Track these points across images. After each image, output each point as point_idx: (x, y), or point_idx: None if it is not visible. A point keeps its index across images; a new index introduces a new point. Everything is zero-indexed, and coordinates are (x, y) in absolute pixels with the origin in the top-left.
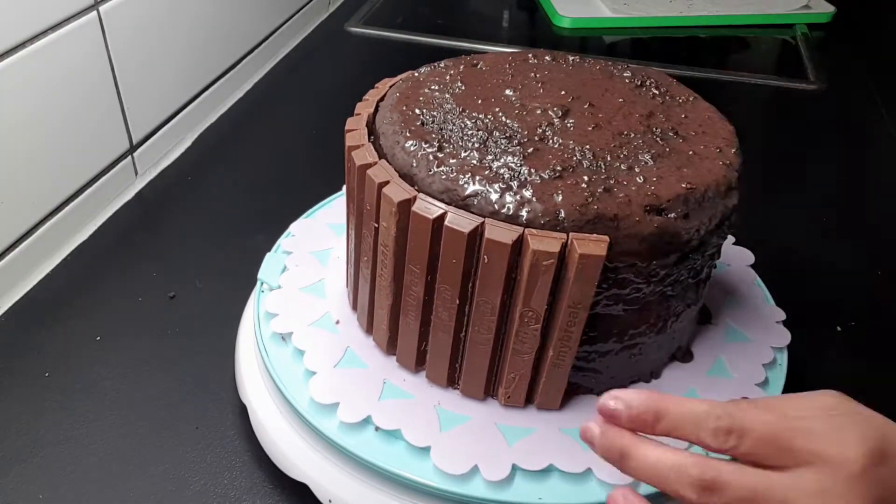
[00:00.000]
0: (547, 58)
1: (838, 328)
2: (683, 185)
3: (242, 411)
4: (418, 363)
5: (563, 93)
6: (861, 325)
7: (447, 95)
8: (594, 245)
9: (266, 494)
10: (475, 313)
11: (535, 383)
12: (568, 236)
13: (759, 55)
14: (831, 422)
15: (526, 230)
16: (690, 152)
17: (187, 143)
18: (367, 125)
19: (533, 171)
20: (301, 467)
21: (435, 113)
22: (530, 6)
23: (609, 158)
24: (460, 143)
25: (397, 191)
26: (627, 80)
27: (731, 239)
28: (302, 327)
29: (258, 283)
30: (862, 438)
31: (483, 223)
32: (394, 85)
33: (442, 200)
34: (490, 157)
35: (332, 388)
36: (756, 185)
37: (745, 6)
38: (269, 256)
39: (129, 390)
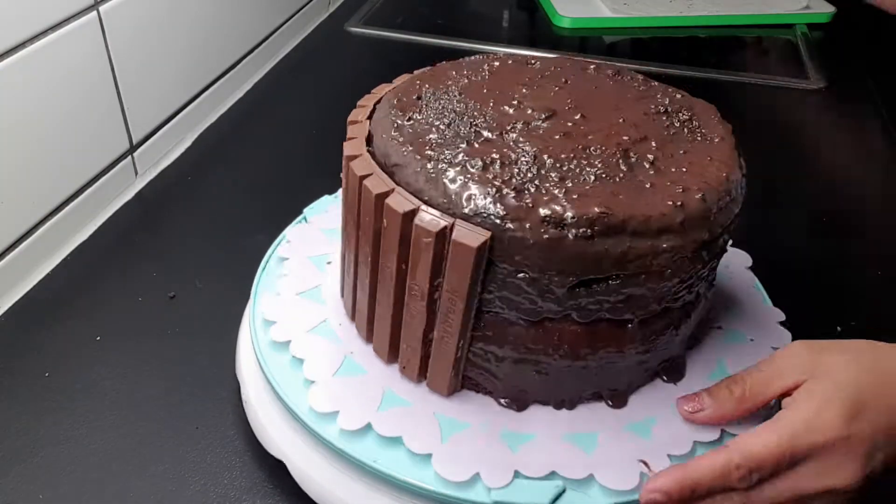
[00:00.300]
0: (609, 71)
1: (838, 328)
2: (597, 209)
3: (242, 411)
4: (353, 314)
5: (568, 100)
6: (861, 325)
7: (465, 81)
8: (471, 236)
9: (266, 494)
10: (380, 276)
11: (427, 361)
12: (453, 222)
13: (759, 55)
14: (799, 408)
15: (421, 206)
16: (648, 184)
17: (187, 143)
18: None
19: (463, 157)
20: (280, 445)
21: (437, 91)
22: (530, 6)
23: (548, 166)
24: (428, 120)
25: (350, 147)
26: (654, 107)
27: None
28: (299, 257)
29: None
30: (831, 419)
31: (392, 190)
32: (441, 63)
33: (379, 163)
34: (437, 137)
35: (281, 309)
36: (756, 184)
37: (745, 6)
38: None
39: (129, 390)
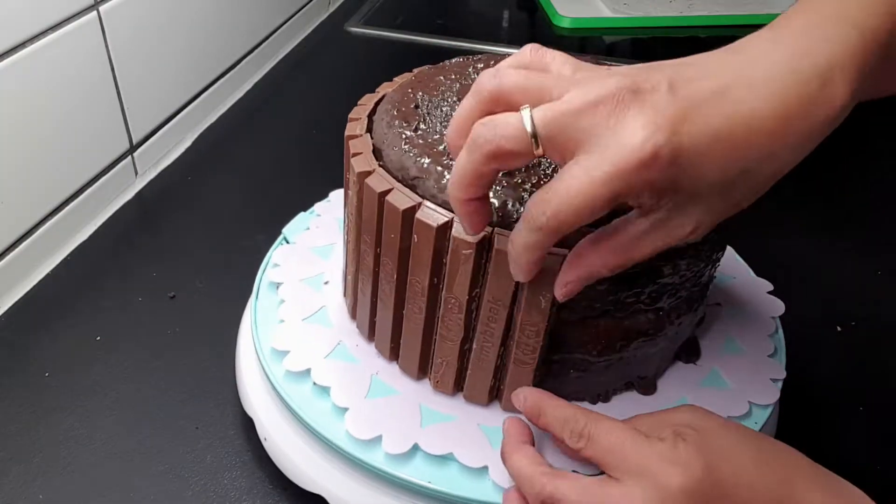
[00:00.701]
0: (607, 63)
1: (838, 328)
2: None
3: (242, 411)
4: (371, 332)
5: None
6: (861, 325)
7: (457, 85)
8: None
9: (266, 494)
10: (409, 292)
11: (463, 373)
12: (492, 230)
13: None
14: (673, 441)
15: (455, 217)
16: None
17: (187, 143)
18: (376, 103)
19: None
20: (317, 479)
21: (433, 98)
22: (530, 6)
23: None
24: (436, 128)
25: (361, 162)
26: None
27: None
28: (293, 281)
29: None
30: (689, 461)
31: (420, 204)
32: (420, 69)
33: (396, 177)
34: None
35: (290, 338)
36: None
37: (745, 6)
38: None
39: (129, 390)
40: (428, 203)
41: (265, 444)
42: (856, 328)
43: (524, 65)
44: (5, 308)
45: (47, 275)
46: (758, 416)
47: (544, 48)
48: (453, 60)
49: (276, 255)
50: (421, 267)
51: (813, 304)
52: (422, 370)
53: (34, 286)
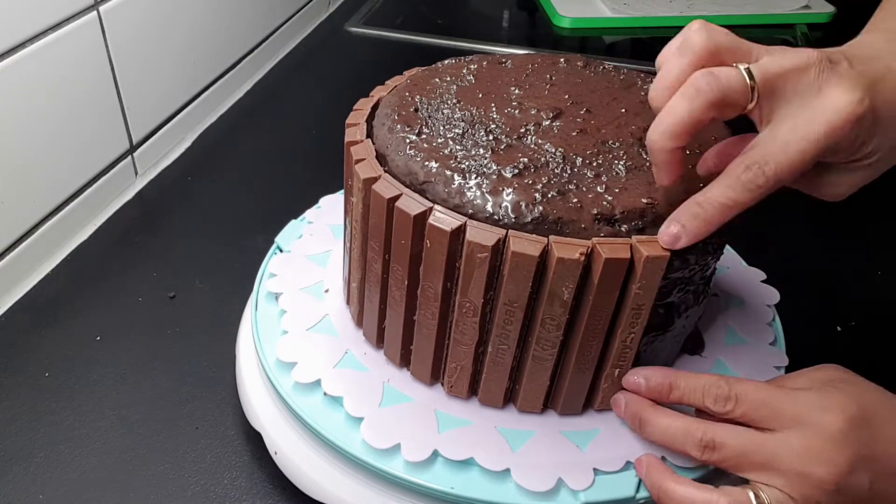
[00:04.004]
0: (579, 63)
1: (838, 328)
2: (644, 200)
3: (242, 411)
4: (379, 339)
5: (566, 96)
6: (861, 325)
7: (454, 87)
8: (529, 244)
9: (266, 494)
10: (421, 297)
11: (478, 377)
12: (506, 233)
13: None
14: (821, 391)
15: (468, 221)
16: None
17: (187, 143)
18: (374, 107)
19: (495, 165)
20: (333, 490)
21: (432, 101)
22: (530, 6)
23: (579, 163)
24: (440, 132)
25: (367, 168)
26: (644, 93)
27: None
28: (292, 290)
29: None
30: (844, 405)
31: (431, 209)
32: (413, 72)
33: (403, 183)
34: (459, 148)
35: (296, 348)
36: None
37: (746, 6)
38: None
39: (129, 390)
40: (438, 207)
41: (275, 458)
42: (856, 328)
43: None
44: (5, 308)
45: (47, 275)
46: None
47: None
48: (446, 62)
49: (272, 264)
50: (434, 272)
51: (813, 304)
52: (434, 375)
53: (34, 286)
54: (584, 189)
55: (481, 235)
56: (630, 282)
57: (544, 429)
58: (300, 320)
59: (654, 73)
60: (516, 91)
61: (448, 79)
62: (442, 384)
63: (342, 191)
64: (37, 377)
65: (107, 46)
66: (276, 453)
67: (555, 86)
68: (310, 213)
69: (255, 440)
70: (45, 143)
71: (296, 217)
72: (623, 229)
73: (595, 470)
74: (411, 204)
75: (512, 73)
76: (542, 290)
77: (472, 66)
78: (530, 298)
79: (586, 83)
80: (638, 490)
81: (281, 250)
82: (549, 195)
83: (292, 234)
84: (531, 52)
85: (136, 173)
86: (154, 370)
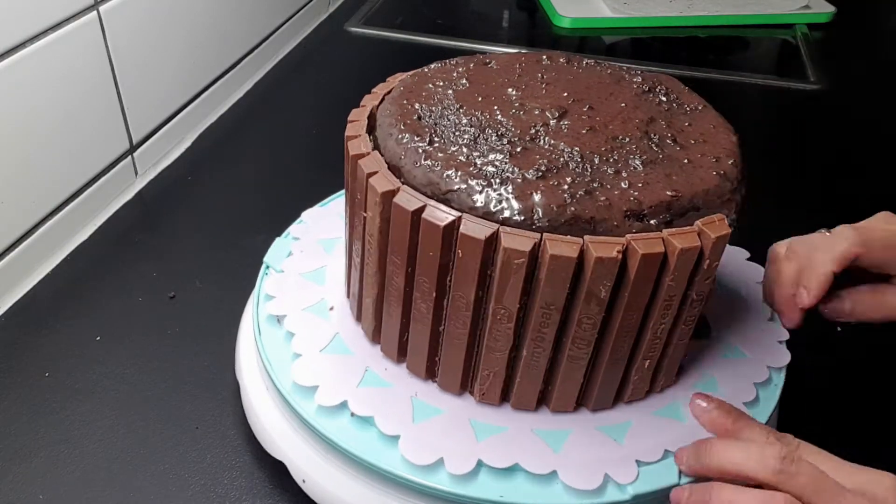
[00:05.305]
0: (561, 59)
1: (838, 328)
2: (669, 193)
3: (242, 412)
4: (400, 354)
5: (565, 94)
6: (861, 325)
7: (450, 91)
8: (566, 246)
9: (266, 494)
10: (451, 307)
11: (510, 382)
12: (541, 236)
13: (759, 55)
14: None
15: (501, 227)
16: (685, 160)
17: (187, 143)
18: (369, 117)
19: (517, 169)
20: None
21: (433, 108)
22: (530, 6)
23: (597, 161)
24: (451, 139)
25: (383, 181)
26: (636, 86)
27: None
28: (295, 311)
29: (261, 273)
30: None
31: (460, 218)
32: (402, 79)
33: (424, 193)
34: (477, 154)
35: (314, 371)
36: (755, 184)
37: (745, 6)
38: (277, 241)
39: (129, 390)
40: (468, 216)
41: (304, 486)
42: (856, 328)
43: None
44: (5, 308)
45: (47, 275)
46: (776, 378)
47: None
48: (432, 66)
49: (268, 285)
50: (466, 282)
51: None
52: (463, 385)
53: (34, 286)
54: (608, 186)
55: (517, 241)
56: (663, 275)
57: (580, 426)
58: (311, 342)
59: (641, 69)
60: (514, 92)
61: (441, 83)
62: (471, 393)
63: (324, 203)
64: (37, 377)
65: (107, 46)
66: (303, 481)
67: (549, 84)
68: (294, 229)
69: (255, 440)
70: (44, 143)
71: (296, 217)
72: (652, 223)
73: (637, 462)
74: (438, 214)
75: (503, 74)
76: (580, 290)
77: (460, 69)
78: (567, 300)
79: (578, 79)
80: (680, 477)
81: (270, 268)
82: (578, 195)
83: (281, 253)
84: (512, 52)
85: (136, 173)
86: (154, 370)
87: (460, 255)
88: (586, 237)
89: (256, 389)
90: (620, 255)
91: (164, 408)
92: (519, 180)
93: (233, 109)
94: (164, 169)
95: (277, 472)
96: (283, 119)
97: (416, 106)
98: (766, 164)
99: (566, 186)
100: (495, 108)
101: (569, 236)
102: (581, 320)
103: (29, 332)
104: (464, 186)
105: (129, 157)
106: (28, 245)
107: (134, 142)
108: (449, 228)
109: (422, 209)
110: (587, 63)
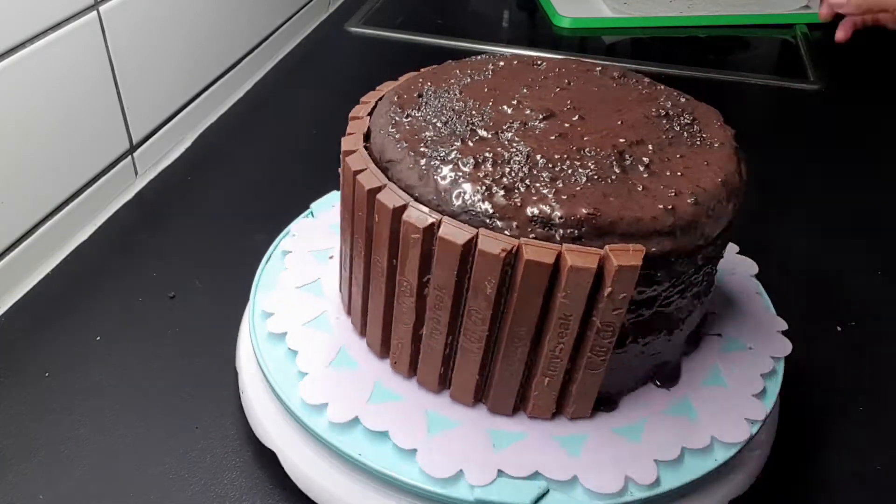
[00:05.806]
0: (615, 74)
1: (838, 328)
2: (585, 210)
3: (242, 411)
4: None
5: (568, 102)
6: (861, 325)
7: (467, 80)
8: (457, 232)
9: (266, 494)
10: (372, 271)
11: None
12: (441, 218)
13: (759, 55)
14: None
15: (410, 202)
16: (640, 187)
17: (187, 143)
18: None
19: (458, 154)
20: (271, 435)
21: (438, 90)
22: (530, 6)
23: (540, 165)
24: (427, 117)
25: (370, 178)
26: (656, 109)
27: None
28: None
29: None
30: None
31: (384, 186)
32: (441, 65)
33: (374, 159)
34: (432, 134)
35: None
36: (755, 184)
37: (745, 6)
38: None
39: (129, 390)
40: (392, 186)
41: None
42: (856, 328)
43: None
44: (5, 308)
45: (47, 275)
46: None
47: None
48: (477, 57)
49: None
50: (381, 247)
51: (813, 305)
52: (384, 349)
53: (34, 286)
54: (532, 189)
55: (416, 217)
56: (556, 289)
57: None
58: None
59: (678, 89)
60: (525, 91)
61: (469, 72)
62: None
63: (308, 214)
64: (37, 377)
65: (107, 46)
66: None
67: (565, 91)
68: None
69: (255, 440)
70: (44, 143)
71: (295, 217)
72: (557, 235)
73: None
74: (370, 178)
75: (532, 74)
76: (468, 281)
77: (499, 64)
78: (457, 287)
79: (599, 92)
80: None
81: (313, 215)
82: (493, 190)
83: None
84: (569, 57)
85: (136, 173)
86: (154, 370)
87: (377, 220)
88: (481, 230)
89: (256, 389)
90: (504, 254)
91: (164, 408)
92: (450, 165)
93: (233, 109)
94: (164, 169)
95: (278, 471)
96: (283, 119)
97: (427, 85)
98: (765, 164)
99: (490, 180)
100: (490, 100)
101: (468, 225)
102: (470, 312)
103: (29, 332)
104: (401, 159)
105: (129, 157)
106: (28, 245)
107: (134, 142)
108: (372, 193)
109: (359, 172)
110: (633, 81)
